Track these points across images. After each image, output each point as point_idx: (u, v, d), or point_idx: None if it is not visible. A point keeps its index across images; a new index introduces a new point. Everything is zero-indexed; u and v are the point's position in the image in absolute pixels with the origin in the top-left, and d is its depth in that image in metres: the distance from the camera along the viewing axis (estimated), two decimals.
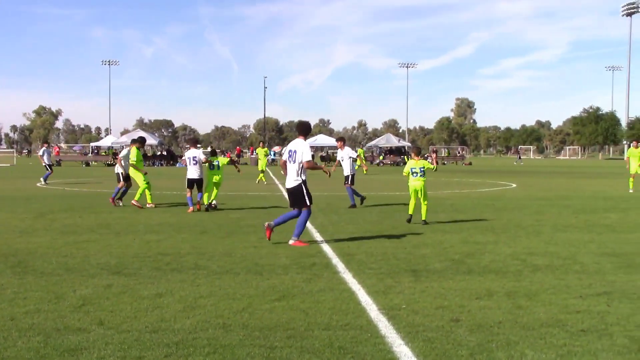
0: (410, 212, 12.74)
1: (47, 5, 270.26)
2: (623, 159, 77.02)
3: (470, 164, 67.68)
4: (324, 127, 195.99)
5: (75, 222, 12.55)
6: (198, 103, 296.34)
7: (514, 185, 27.23)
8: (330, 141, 68.34)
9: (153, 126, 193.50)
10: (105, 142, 72.69)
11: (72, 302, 6.07)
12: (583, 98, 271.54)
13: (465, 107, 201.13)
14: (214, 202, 15.64)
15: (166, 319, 5.53)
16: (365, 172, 29.68)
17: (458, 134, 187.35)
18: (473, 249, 9.48)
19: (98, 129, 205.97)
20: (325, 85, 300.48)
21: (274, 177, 31.47)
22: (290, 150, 9.82)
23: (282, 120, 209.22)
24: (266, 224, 9.85)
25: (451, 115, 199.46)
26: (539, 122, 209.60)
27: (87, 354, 4.60)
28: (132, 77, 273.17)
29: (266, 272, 7.56)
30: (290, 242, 9.65)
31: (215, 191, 15.67)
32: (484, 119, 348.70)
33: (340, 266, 7.97)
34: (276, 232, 9.97)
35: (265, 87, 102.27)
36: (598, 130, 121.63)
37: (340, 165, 17.01)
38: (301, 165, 9.66)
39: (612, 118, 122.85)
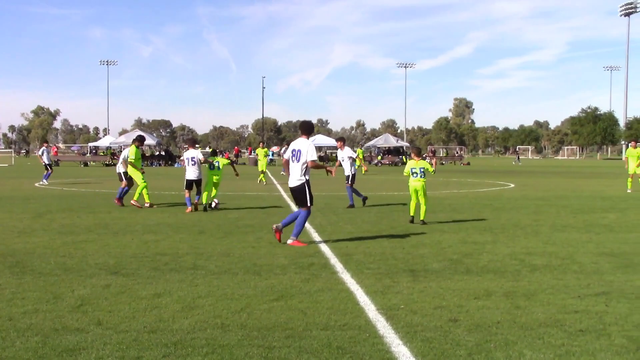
0: (411, 213, 12.75)
1: (45, 5, 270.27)
2: (621, 159, 77.15)
3: (468, 164, 67.74)
4: (322, 127, 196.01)
5: (73, 222, 12.54)
6: (196, 103, 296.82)
7: (512, 185, 27.25)
8: (329, 141, 68.34)
9: (151, 126, 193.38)
10: (104, 142, 72.73)
11: (70, 302, 6.06)
12: (581, 98, 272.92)
13: (463, 107, 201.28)
14: (215, 201, 15.61)
15: (164, 319, 5.52)
16: (364, 172, 29.68)
17: (456, 134, 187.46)
18: (471, 249, 9.48)
19: (96, 129, 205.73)
20: (324, 85, 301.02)
21: (272, 178, 31.46)
22: (293, 150, 9.77)
23: (281, 120, 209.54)
24: (274, 226, 9.83)
25: (449, 115, 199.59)
26: (537, 122, 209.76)
27: (85, 354, 4.59)
28: (131, 77, 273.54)
29: (264, 272, 7.56)
30: (289, 241, 9.64)
31: (214, 191, 15.65)
32: (482, 119, 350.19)
33: (338, 266, 7.97)
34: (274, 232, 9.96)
35: (263, 87, 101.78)
36: (596, 130, 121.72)
37: (341, 166, 17.03)
38: (305, 164, 9.63)
39: (610, 118, 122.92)
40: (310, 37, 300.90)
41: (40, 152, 28.12)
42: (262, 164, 29.30)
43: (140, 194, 15.95)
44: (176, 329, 5.23)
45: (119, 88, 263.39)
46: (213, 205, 15.44)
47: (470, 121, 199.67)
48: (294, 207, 15.55)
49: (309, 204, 9.69)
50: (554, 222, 13.08)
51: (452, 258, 8.64)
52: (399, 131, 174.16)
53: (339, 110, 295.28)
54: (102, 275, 7.34)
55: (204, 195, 15.40)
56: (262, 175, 28.37)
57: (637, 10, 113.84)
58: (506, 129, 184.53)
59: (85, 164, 58.65)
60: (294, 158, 9.73)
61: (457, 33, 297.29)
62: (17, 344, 4.80)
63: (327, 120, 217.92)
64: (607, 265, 8.22)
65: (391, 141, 73.19)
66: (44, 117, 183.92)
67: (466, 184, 27.98)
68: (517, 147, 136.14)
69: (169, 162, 59.21)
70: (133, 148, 16.20)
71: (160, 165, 57.99)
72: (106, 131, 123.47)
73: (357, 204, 16.23)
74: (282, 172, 36.23)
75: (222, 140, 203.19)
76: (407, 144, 77.67)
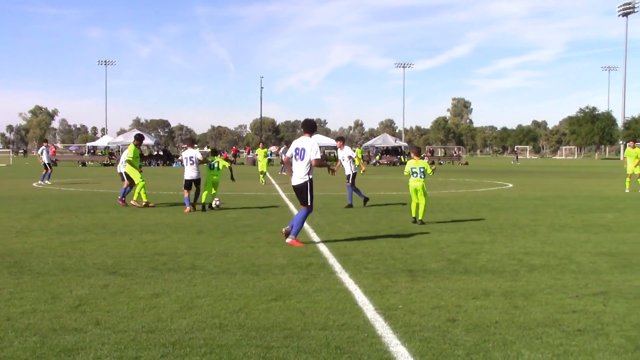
0: (413, 214, 12.75)
1: (43, 5, 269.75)
2: (619, 159, 77.43)
3: (466, 164, 67.75)
4: (320, 127, 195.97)
5: (71, 222, 12.53)
6: (194, 103, 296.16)
7: (511, 185, 27.27)
8: (327, 141, 68.28)
9: (149, 126, 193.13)
10: (102, 142, 72.64)
11: (68, 302, 6.06)
12: (579, 98, 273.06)
13: (461, 107, 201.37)
14: (217, 200, 15.58)
15: (163, 319, 5.52)
16: (362, 172, 29.65)
17: (454, 134, 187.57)
18: (469, 248, 9.49)
19: (94, 129, 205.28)
20: (322, 85, 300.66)
21: (270, 178, 31.45)
22: (297, 148, 9.72)
23: (279, 120, 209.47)
24: (283, 230, 9.87)
25: (447, 115, 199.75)
26: (535, 122, 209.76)
27: (83, 354, 4.59)
28: (129, 77, 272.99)
29: (263, 272, 7.56)
30: (288, 240, 9.64)
31: (214, 191, 15.64)
32: (480, 119, 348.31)
33: (336, 266, 7.97)
34: (272, 232, 9.97)
35: (261, 87, 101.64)
36: (594, 130, 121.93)
37: (342, 165, 17.04)
38: (309, 163, 9.60)
39: (608, 118, 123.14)
40: (309, 37, 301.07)
41: (40, 152, 28.11)
42: (262, 165, 29.27)
43: (139, 193, 15.95)
44: (174, 329, 5.23)
45: (117, 88, 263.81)
46: (215, 205, 15.40)
47: (468, 121, 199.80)
48: (294, 207, 15.58)
49: (309, 203, 9.69)
50: (552, 222, 13.10)
51: (450, 258, 8.65)
52: (397, 131, 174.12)
53: (338, 110, 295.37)
54: (100, 275, 7.33)
55: (204, 194, 15.39)
56: (262, 175, 28.36)
57: (635, 11, 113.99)
58: (504, 129, 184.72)
59: (84, 164, 58.58)
60: (297, 157, 9.69)
61: (456, 33, 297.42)
62: (15, 344, 4.80)
63: (325, 120, 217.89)
64: (605, 265, 8.23)
65: (389, 141, 73.20)
66: (42, 117, 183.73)
67: (464, 184, 28.00)
68: (516, 147, 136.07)
69: (167, 162, 59.17)
70: (132, 146, 16.23)
71: (158, 165, 57.95)
72: (104, 131, 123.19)
73: (356, 204, 16.23)
74: (279, 172, 36.22)
75: (220, 140, 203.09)
76: (406, 144, 77.72)
